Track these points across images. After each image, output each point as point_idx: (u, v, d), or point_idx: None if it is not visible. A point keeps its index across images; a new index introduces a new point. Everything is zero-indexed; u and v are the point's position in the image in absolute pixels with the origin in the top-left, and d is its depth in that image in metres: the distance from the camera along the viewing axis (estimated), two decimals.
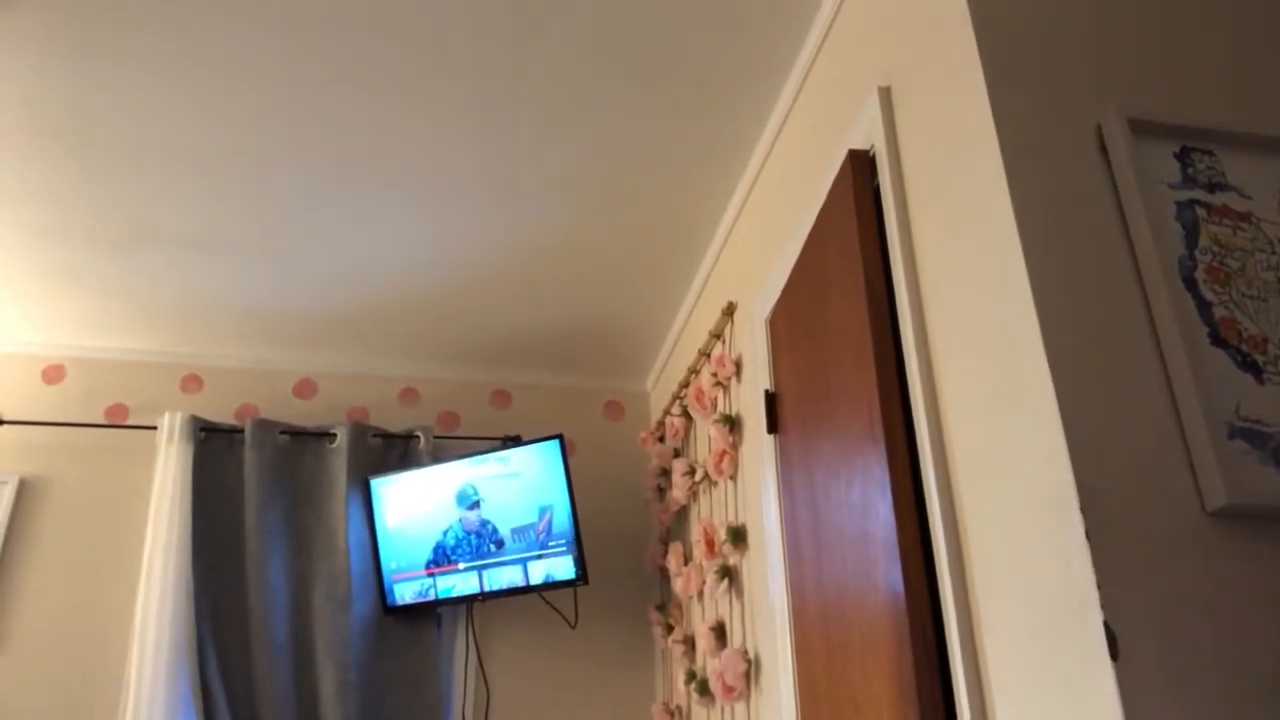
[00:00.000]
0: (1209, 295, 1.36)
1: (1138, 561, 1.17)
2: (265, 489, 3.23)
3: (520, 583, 3.09)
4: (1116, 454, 1.23)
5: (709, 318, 3.04)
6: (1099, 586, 1.14)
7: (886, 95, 1.82)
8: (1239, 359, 1.33)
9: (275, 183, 2.68)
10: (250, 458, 3.26)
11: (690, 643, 2.97)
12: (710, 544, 2.71)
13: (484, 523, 3.16)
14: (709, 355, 2.91)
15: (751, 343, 2.56)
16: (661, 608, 3.25)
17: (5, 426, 3.28)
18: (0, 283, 3.09)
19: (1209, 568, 1.19)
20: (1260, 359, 1.34)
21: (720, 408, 2.79)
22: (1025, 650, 1.29)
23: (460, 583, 3.15)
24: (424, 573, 3.19)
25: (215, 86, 2.33)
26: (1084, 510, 1.18)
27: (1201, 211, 1.43)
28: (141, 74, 2.28)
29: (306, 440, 3.41)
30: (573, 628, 3.40)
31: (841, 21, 2.10)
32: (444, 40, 2.22)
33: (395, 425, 3.56)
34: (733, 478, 2.66)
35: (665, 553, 3.22)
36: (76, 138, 2.47)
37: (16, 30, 2.13)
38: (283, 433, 3.36)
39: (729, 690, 2.45)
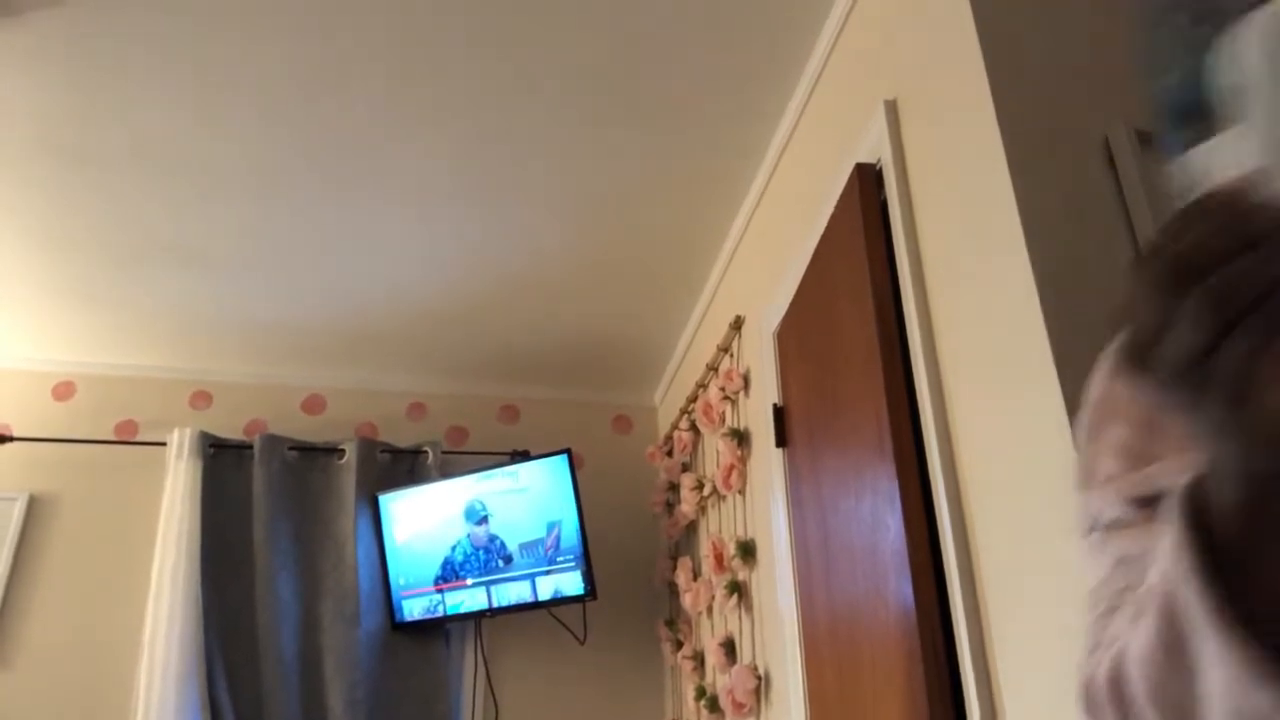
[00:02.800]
0: None
1: None
2: (274, 505, 3.23)
3: (528, 598, 3.08)
4: None
5: (717, 332, 3.04)
6: None
7: (893, 109, 1.83)
8: None
9: (284, 199, 2.69)
10: (259, 474, 3.26)
11: (700, 658, 2.95)
12: (719, 559, 2.69)
13: (492, 538, 3.16)
14: (717, 369, 2.91)
15: (759, 356, 2.55)
16: (670, 623, 3.24)
17: (15, 443, 3.29)
18: (11, 300, 3.10)
19: None
20: None
21: (728, 422, 2.78)
22: (1037, 665, 1.28)
23: (468, 599, 3.14)
24: (432, 588, 3.19)
25: (224, 104, 2.34)
26: None
27: None
28: (147, 90, 2.29)
29: (315, 456, 3.41)
30: (581, 643, 3.38)
31: (847, 36, 2.10)
32: (450, 60, 2.23)
33: (403, 440, 3.56)
34: (741, 492, 2.65)
35: (674, 568, 3.20)
36: (83, 154, 2.49)
37: (20, 47, 2.15)
38: (291, 448, 3.37)
39: (739, 706, 2.44)
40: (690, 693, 2.89)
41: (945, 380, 1.58)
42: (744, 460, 2.63)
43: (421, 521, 3.25)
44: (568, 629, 3.37)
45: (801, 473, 2.15)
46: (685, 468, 3.25)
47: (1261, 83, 0.44)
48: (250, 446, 3.33)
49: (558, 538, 3.07)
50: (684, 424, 3.23)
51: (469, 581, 3.15)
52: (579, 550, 3.03)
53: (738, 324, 2.77)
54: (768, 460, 2.40)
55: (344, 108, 2.37)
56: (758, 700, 2.40)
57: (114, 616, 3.16)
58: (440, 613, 3.16)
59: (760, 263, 2.66)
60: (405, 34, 2.17)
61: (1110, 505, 0.52)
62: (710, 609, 2.86)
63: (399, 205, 2.74)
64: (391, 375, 3.68)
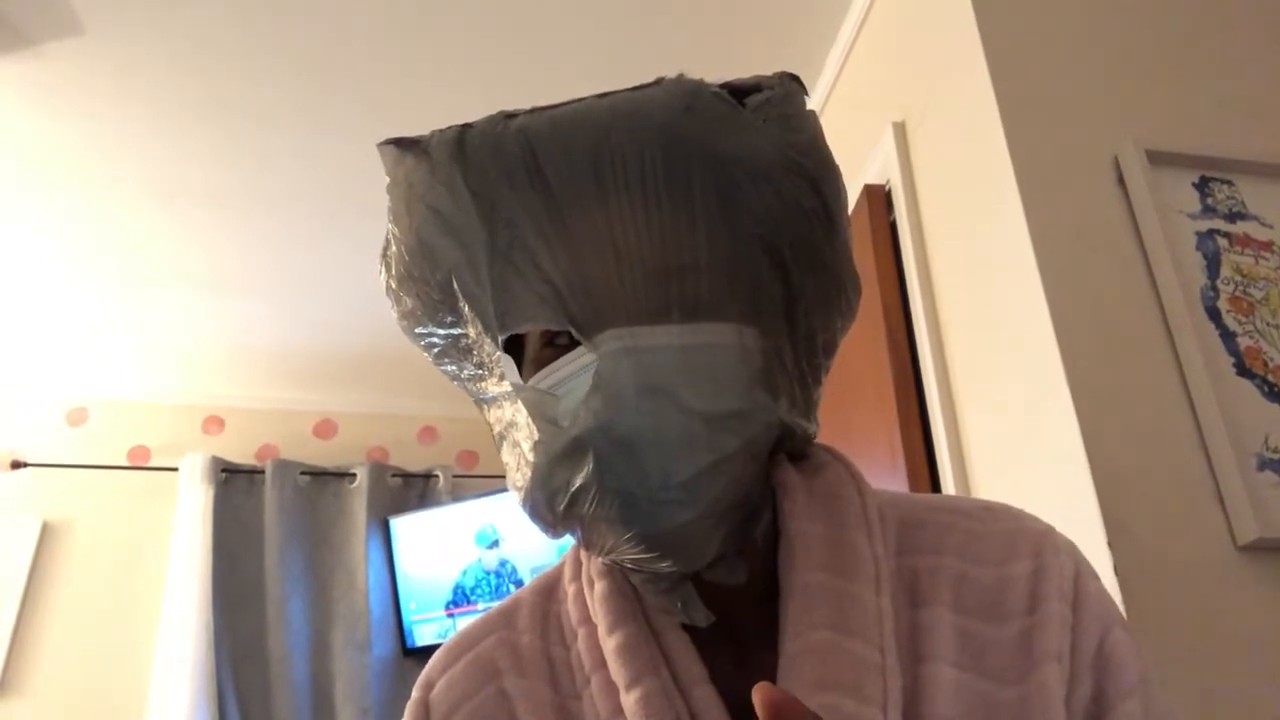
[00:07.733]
0: (1233, 325, 1.35)
1: (1168, 597, 1.15)
2: (285, 530, 3.23)
3: None
4: (1144, 488, 1.21)
5: None
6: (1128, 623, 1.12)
7: (901, 130, 1.83)
8: (1266, 389, 1.31)
9: (294, 224, 2.70)
10: (270, 499, 3.26)
11: None
12: None
13: (503, 562, 3.15)
14: None
15: None
16: None
17: (28, 469, 3.30)
18: (23, 326, 3.12)
19: (1241, 603, 1.17)
20: None
21: None
22: None
23: None
24: (443, 614, 3.17)
25: (235, 134, 2.36)
26: (1112, 545, 1.16)
27: (1222, 241, 1.42)
28: (156, 118, 2.31)
29: (326, 480, 3.41)
30: None
31: (856, 57, 2.11)
32: (458, 87, 2.25)
33: (414, 465, 3.56)
34: None
35: None
36: (94, 181, 2.51)
37: (29, 78, 2.17)
38: (303, 473, 3.37)
39: None
40: None
41: (957, 401, 1.57)
42: None
43: (433, 546, 3.24)
44: None
45: None
46: None
47: None
48: (262, 471, 3.33)
49: None
50: None
51: (480, 606, 3.13)
52: None
53: None
54: None
55: (354, 135, 2.39)
56: None
57: (126, 642, 3.15)
58: None
59: None
60: (414, 65, 2.19)
61: None
62: None
63: None
64: (402, 399, 3.68)
